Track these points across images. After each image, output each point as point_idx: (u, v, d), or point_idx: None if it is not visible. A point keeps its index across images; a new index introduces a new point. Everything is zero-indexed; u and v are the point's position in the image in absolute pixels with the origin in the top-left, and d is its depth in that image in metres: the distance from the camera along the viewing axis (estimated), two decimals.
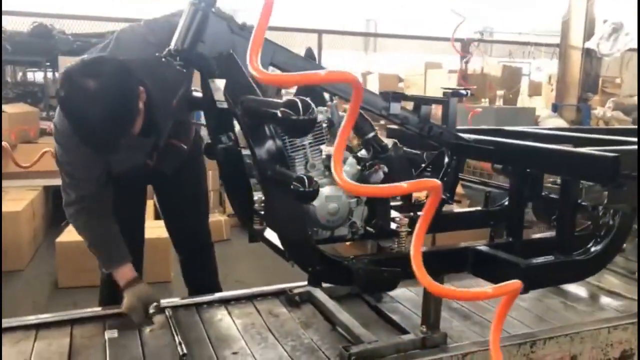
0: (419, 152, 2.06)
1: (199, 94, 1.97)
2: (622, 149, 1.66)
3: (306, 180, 1.36)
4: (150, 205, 5.49)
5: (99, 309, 2.16)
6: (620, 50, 7.31)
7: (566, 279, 1.94)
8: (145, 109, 1.80)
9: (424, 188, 1.05)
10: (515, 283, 1.06)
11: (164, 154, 2.14)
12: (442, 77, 7.29)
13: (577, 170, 1.67)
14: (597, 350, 1.95)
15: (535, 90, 9.27)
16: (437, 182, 0.99)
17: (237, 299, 2.26)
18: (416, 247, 0.99)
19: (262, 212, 1.94)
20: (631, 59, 9.44)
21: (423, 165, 2.08)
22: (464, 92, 2.04)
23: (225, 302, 2.24)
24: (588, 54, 7.65)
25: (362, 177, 1.77)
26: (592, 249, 1.80)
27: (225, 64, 1.58)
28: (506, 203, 2.23)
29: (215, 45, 1.59)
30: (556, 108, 7.92)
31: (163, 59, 1.57)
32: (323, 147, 1.81)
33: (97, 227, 1.98)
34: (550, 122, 7.27)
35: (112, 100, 1.66)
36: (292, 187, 1.36)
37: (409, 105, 2.01)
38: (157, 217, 5.17)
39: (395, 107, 1.90)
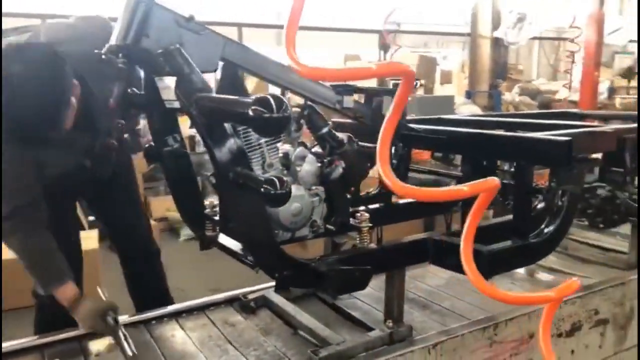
0: (372, 145, 2.02)
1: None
2: (572, 132, 1.72)
3: (277, 182, 1.27)
4: None
5: (36, 337, 1.94)
6: (525, 38, 7.75)
7: (525, 261, 1.99)
8: (80, 105, 1.65)
9: (485, 189, 1.01)
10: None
11: (100, 157, 1.96)
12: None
13: (532, 156, 1.71)
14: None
15: (446, 78, 9.64)
16: (497, 181, 0.98)
17: (188, 311, 2.12)
18: (467, 255, 0.96)
19: (215, 218, 1.83)
20: (534, 47, 10.10)
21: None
22: (414, 82, 2.03)
23: (176, 315, 2.10)
24: (496, 42, 8.06)
25: (323, 175, 1.71)
26: (546, 230, 1.85)
27: (173, 60, 1.44)
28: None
29: (161, 40, 1.45)
30: (470, 95, 8.29)
31: (103, 56, 1.41)
32: (279, 144, 1.73)
33: (34, 244, 1.78)
34: (466, 108, 7.60)
35: (40, 88, 1.58)
36: (262, 190, 1.27)
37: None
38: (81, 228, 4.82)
39: (348, 100, 1.86)
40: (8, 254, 1.84)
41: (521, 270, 2.58)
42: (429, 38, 8.98)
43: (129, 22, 1.41)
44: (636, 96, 9.07)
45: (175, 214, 5.88)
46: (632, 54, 10.29)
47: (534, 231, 1.84)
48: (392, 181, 0.94)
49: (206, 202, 1.85)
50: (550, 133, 1.73)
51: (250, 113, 1.15)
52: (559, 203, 1.86)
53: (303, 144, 1.83)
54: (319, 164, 1.73)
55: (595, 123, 2.82)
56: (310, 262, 1.64)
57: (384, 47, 8.15)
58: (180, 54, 1.45)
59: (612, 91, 9.22)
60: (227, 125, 1.45)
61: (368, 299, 2.21)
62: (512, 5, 7.91)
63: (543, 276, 2.53)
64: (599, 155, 2.22)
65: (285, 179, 1.35)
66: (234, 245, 1.73)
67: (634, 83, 9.43)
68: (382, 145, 0.96)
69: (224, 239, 1.80)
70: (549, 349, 1.08)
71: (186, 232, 5.57)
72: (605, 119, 2.95)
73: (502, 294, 1.13)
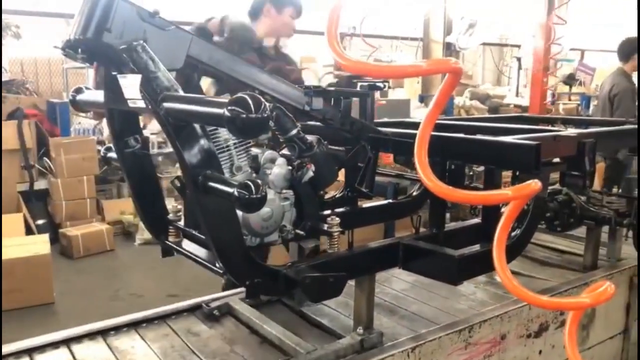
0: (341, 148, 1.99)
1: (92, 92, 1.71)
2: (539, 136, 1.74)
3: (253, 187, 1.21)
4: (18, 218, 4.85)
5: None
6: (476, 43, 7.96)
7: (494, 266, 2.00)
8: None
9: (528, 193, 0.99)
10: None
11: None
12: (317, 71, 7.35)
13: (501, 160, 1.72)
14: (521, 327, 2.05)
15: (398, 82, 9.75)
16: (540, 183, 0.97)
17: (149, 320, 2.02)
18: (501, 261, 0.93)
19: (179, 223, 1.75)
20: (484, 52, 10.40)
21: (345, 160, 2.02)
22: (381, 85, 2.01)
23: (135, 325, 1.99)
24: (448, 47, 8.24)
25: (293, 178, 1.66)
26: (513, 234, 1.87)
27: (138, 56, 1.36)
28: (414, 193, 2.26)
29: (124, 35, 1.37)
30: (422, 99, 8.44)
31: (63, 52, 1.31)
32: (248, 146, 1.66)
33: None
34: (420, 112, 7.72)
35: None
36: (236, 194, 1.21)
37: None
38: (29, 232, 4.58)
39: (317, 102, 1.81)
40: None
41: (484, 276, 2.62)
42: (382, 42, 9.08)
43: (89, 15, 1.31)
44: (577, 102, 9.50)
45: (129, 217, 5.69)
46: (572, 62, 10.78)
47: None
48: (434, 184, 0.91)
49: (169, 207, 1.76)
50: (518, 137, 1.75)
51: (227, 114, 1.08)
52: (525, 207, 1.89)
53: (272, 146, 1.78)
54: (289, 167, 1.68)
55: (550, 127, 2.89)
56: (281, 268, 1.58)
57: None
58: (144, 50, 1.37)
59: (556, 97, 9.61)
60: (196, 126, 1.37)
61: (335, 305, 2.17)
62: (463, 12, 8.12)
63: None
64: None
65: (260, 183, 1.29)
66: (200, 252, 1.66)
67: (575, 89, 9.87)
68: (420, 146, 0.94)
69: (189, 245, 1.72)
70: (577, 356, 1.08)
71: (142, 236, 5.38)
72: (553, 124, 3.04)
73: (535, 299, 1.12)
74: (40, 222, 5.55)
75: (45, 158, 5.98)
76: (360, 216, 2.16)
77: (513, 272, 2.56)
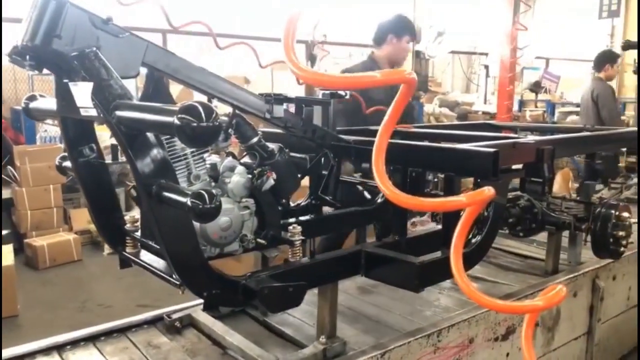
0: (304, 155, 1.99)
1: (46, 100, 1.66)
2: (497, 143, 1.76)
3: (206, 196, 1.19)
4: None
5: None
6: (444, 52, 8.07)
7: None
8: None
9: (483, 199, 0.99)
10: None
11: None
12: (290, 78, 7.34)
13: (460, 167, 1.73)
14: (488, 330, 2.07)
15: None
16: (493, 190, 0.99)
17: (107, 333, 1.97)
18: (458, 267, 0.93)
19: (137, 233, 1.71)
20: (454, 60, 10.56)
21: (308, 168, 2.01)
22: (343, 93, 2.01)
23: (93, 339, 1.94)
24: (417, 55, 8.33)
25: (253, 187, 1.64)
26: (474, 241, 1.89)
27: (90, 64, 1.33)
28: (379, 200, 2.27)
29: (76, 42, 1.33)
30: None
31: (9, 58, 1.27)
32: (206, 155, 1.64)
33: None
34: None
35: None
36: (190, 204, 1.19)
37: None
38: None
39: (278, 110, 1.80)
40: None
41: (449, 282, 2.64)
42: (353, 50, 9.12)
43: (37, 21, 1.28)
44: (543, 109, 9.71)
45: None
46: (538, 70, 11.02)
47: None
48: (391, 192, 0.91)
49: (126, 217, 1.72)
50: (477, 144, 1.77)
51: (177, 122, 1.06)
52: (485, 214, 1.91)
53: (232, 155, 1.76)
54: (249, 176, 1.66)
55: (513, 135, 2.94)
56: (241, 279, 1.56)
57: (312, 57, 8.18)
58: (97, 58, 1.34)
59: (522, 104, 9.80)
60: (149, 135, 1.35)
61: (299, 314, 2.15)
62: (432, 21, 8.23)
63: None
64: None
65: (214, 192, 1.27)
66: (158, 263, 1.62)
67: (541, 97, 10.09)
68: (378, 154, 0.93)
69: (146, 256, 1.69)
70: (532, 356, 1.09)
71: None
72: (517, 131, 3.09)
73: (491, 302, 1.13)
74: (4, 232, 5.40)
75: (9, 167, 5.82)
76: (325, 224, 2.15)
77: (477, 278, 2.62)
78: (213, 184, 1.62)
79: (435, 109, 8.90)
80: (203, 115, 1.07)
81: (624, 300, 2.90)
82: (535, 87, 9.82)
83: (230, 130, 1.72)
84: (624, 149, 2.84)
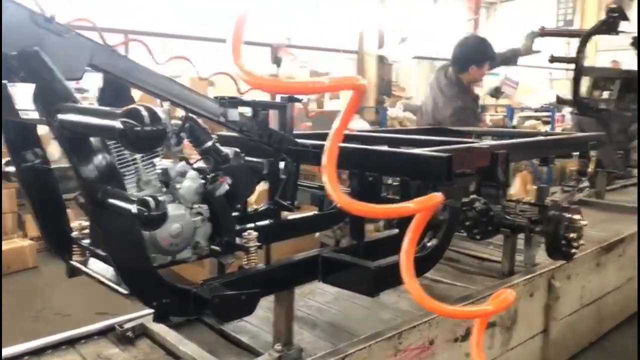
0: (260, 160, 1.96)
1: None
2: (452, 148, 1.78)
3: (152, 203, 1.15)
4: None
5: None
6: (408, 57, 8.17)
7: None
8: None
9: (431, 205, 0.98)
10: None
11: None
12: None
13: (415, 172, 1.74)
14: (448, 331, 2.08)
15: (334, 93, 9.84)
16: (441, 196, 0.98)
17: (55, 346, 1.89)
18: (409, 272, 0.92)
19: (85, 241, 1.65)
20: (414, 66, 10.70)
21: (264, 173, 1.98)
22: (300, 97, 2.00)
23: (39, 352, 1.86)
24: (381, 60, 8.40)
25: (206, 192, 1.60)
26: (429, 244, 1.90)
27: (31, 65, 1.27)
28: (339, 204, 2.26)
29: (15, 41, 1.27)
30: (358, 110, 8.55)
31: None
32: (157, 160, 1.60)
33: None
34: (355, 123, 7.81)
35: None
36: (135, 211, 1.15)
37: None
38: None
39: (233, 113, 1.77)
40: None
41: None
42: (318, 54, 9.14)
43: None
44: (503, 114, 9.93)
45: None
46: (498, 75, 11.29)
47: (419, 245, 1.87)
48: (340, 198, 0.89)
49: (74, 224, 1.66)
50: (432, 149, 1.78)
51: (119, 126, 1.02)
52: (441, 217, 1.92)
53: (185, 159, 1.72)
54: (202, 181, 1.63)
55: (469, 139, 2.98)
56: (193, 287, 1.52)
57: (277, 61, 8.15)
58: (38, 58, 1.28)
59: (483, 109, 10.01)
60: (95, 139, 1.30)
61: (257, 321, 2.12)
62: (395, 26, 8.32)
63: (429, 288, 2.60)
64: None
65: (161, 198, 1.23)
66: (107, 271, 1.57)
67: (502, 102, 10.32)
68: (329, 161, 0.91)
69: (94, 264, 1.63)
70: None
71: None
72: (474, 135, 3.14)
73: (443, 308, 1.12)
74: None
75: None
76: (283, 229, 2.13)
77: (435, 280, 2.63)
78: (164, 189, 1.58)
79: (399, 113, 8.97)
80: (146, 119, 1.04)
81: (578, 299, 2.98)
82: (496, 93, 10.03)
83: (182, 134, 1.68)
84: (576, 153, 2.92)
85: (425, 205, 1.04)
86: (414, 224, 1.01)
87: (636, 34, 3.38)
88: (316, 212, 2.33)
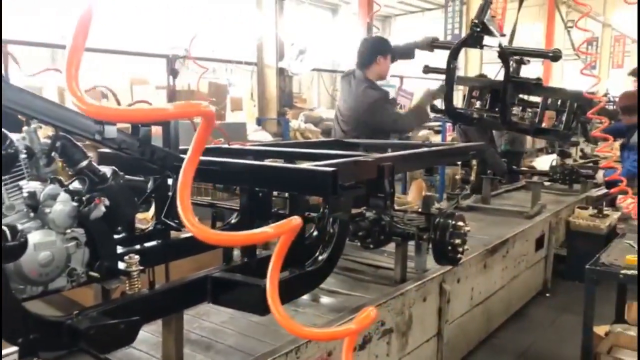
0: (142, 178, 1.87)
1: None
2: (339, 162, 1.81)
3: (8, 233, 1.05)
4: None
5: None
6: (307, 69, 8.29)
7: (303, 290, 2.02)
8: None
9: (289, 229, 0.94)
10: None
11: None
12: (150, 93, 7.05)
13: (301, 186, 1.74)
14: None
15: (237, 105, 9.76)
16: (299, 220, 0.98)
17: None
18: (273, 297, 0.88)
19: None
20: (314, 77, 10.89)
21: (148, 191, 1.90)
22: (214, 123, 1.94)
23: None
24: (281, 72, 8.46)
25: (80, 215, 1.50)
26: (320, 258, 1.91)
27: None
28: (233, 221, 2.22)
29: None
30: (260, 122, 8.53)
31: None
32: (23, 182, 1.47)
33: None
34: (257, 135, 7.78)
35: None
36: None
37: None
38: None
39: (111, 131, 1.68)
40: None
41: (306, 296, 2.65)
42: (217, 65, 9.02)
43: None
44: None
45: None
46: (394, 87, 11.80)
47: (309, 259, 1.88)
48: (196, 228, 0.84)
49: None
50: (319, 163, 1.80)
51: None
52: (331, 230, 1.94)
53: (58, 180, 1.60)
54: (75, 203, 1.52)
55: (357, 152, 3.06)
56: (67, 318, 1.41)
57: (174, 72, 7.93)
58: None
59: None
60: None
61: (145, 346, 2.01)
62: (293, 39, 8.43)
63: (325, 300, 2.62)
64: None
65: (23, 226, 1.13)
66: None
67: None
68: (183, 190, 0.85)
69: None
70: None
71: None
72: (366, 148, 3.23)
73: (309, 332, 1.11)
74: None
75: None
76: (172, 249, 2.05)
77: (332, 291, 2.65)
78: (32, 214, 1.45)
79: (301, 125, 9.07)
80: None
81: (467, 300, 3.15)
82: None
83: (53, 153, 1.57)
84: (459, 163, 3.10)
85: (283, 229, 1.04)
86: (278, 248, 1.01)
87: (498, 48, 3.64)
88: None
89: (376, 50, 3.70)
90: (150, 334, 2.08)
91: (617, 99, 5.37)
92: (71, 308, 1.57)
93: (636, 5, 3.95)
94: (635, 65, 5.89)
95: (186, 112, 0.89)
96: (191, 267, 2.19)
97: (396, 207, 2.63)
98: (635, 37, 18.49)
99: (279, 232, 1.00)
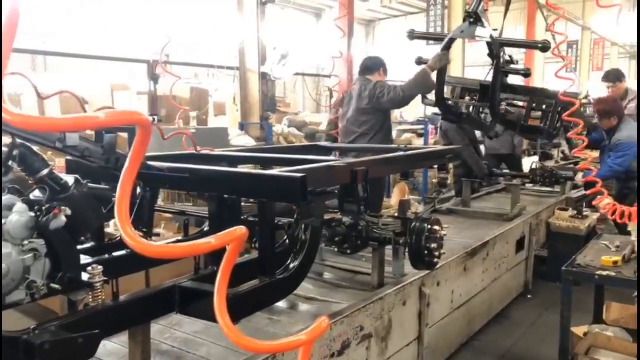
0: (107, 186, 1.82)
1: None
2: (307, 168, 1.78)
3: None
4: None
5: None
6: (289, 74, 8.26)
7: (274, 299, 1.97)
8: None
9: (233, 239, 0.91)
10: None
11: None
12: (131, 99, 6.97)
13: (270, 193, 1.71)
14: (324, 347, 2.05)
15: (220, 110, 9.71)
16: (244, 229, 0.94)
17: None
18: (221, 308, 0.85)
19: None
20: (297, 81, 10.87)
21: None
22: (150, 117, 1.89)
23: None
24: (264, 77, 8.43)
25: (39, 225, 1.45)
26: (292, 265, 1.87)
27: None
28: (206, 229, 2.18)
29: None
30: (243, 127, 8.48)
31: None
32: None
33: None
34: (240, 140, 7.72)
35: None
36: None
37: None
38: None
39: (72, 138, 1.64)
40: None
41: (282, 303, 2.61)
42: (199, 70, 8.96)
43: None
44: None
45: None
46: None
47: (281, 267, 1.85)
48: (136, 242, 0.80)
49: None
50: (290, 169, 1.77)
51: None
52: (303, 237, 1.91)
53: (16, 190, 1.55)
54: (33, 213, 1.47)
55: (333, 158, 3.03)
56: (24, 333, 1.36)
57: (154, 77, 7.85)
58: None
59: None
60: None
61: (114, 358, 1.97)
62: (276, 43, 8.40)
63: (302, 307, 2.58)
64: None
65: None
66: None
67: None
68: (121, 201, 0.82)
69: None
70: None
71: None
72: (343, 152, 3.21)
73: (258, 345, 1.08)
74: None
75: None
76: (141, 259, 2.00)
77: (309, 298, 2.62)
78: None
79: (285, 129, 9.03)
80: None
81: (448, 303, 3.13)
82: None
83: (11, 162, 1.52)
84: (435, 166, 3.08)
85: (227, 239, 1.00)
86: (226, 259, 0.97)
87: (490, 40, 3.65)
88: (180, 239, 2.23)
89: (379, 64, 4.27)
90: (120, 345, 2.03)
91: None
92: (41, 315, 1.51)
93: (613, 9, 3.99)
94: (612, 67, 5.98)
95: (118, 121, 0.85)
96: (172, 275, 2.14)
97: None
98: (615, 40, 18.73)
99: (223, 242, 0.97)
